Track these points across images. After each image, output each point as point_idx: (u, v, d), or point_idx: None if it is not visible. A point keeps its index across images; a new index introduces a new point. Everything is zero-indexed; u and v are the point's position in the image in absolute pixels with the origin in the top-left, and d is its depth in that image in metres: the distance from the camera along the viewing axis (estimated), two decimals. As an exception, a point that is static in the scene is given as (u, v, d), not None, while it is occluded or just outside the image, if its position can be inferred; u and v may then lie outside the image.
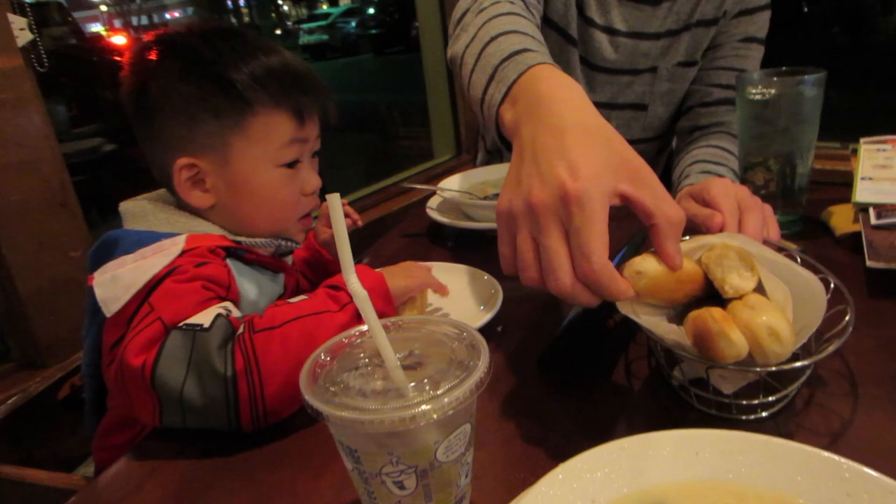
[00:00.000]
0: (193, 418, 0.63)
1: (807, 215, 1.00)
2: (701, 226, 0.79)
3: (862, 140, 1.06)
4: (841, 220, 0.95)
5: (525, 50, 0.73)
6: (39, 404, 0.96)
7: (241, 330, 0.64)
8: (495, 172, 1.28)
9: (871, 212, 0.85)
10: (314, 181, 0.85)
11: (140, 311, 0.66)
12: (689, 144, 1.23)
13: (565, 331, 0.74)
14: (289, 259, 0.93)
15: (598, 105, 1.22)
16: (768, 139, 0.95)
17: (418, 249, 1.14)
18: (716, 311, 0.53)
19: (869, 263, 0.76)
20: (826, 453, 0.44)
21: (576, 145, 0.54)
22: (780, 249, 0.74)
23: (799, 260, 0.66)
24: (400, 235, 1.22)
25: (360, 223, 1.06)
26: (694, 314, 0.55)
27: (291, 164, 0.82)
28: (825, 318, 0.56)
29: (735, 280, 0.56)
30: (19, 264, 1.34)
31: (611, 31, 1.19)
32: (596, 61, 1.22)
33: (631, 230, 0.80)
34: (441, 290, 0.84)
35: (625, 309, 0.57)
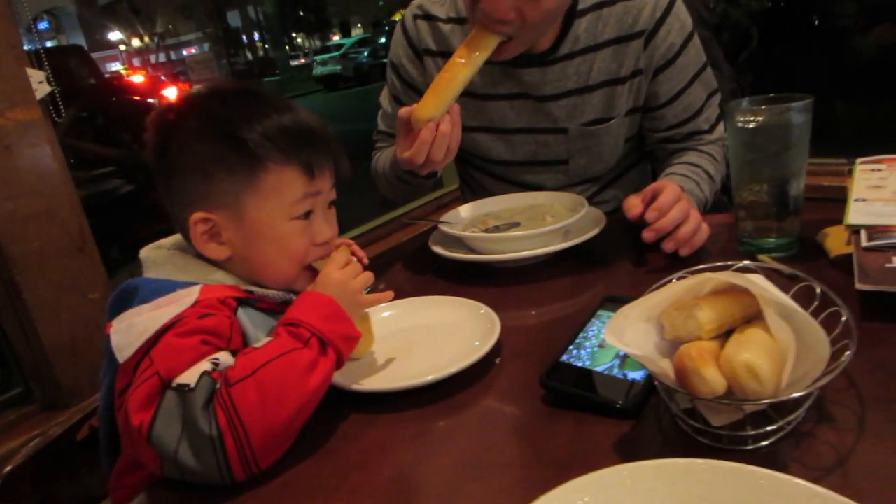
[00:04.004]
0: (190, 476, 0.66)
1: (803, 236, 1.01)
2: (627, 211, 1.04)
3: (858, 160, 1.06)
4: (836, 241, 0.95)
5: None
6: (59, 446, 0.99)
7: (217, 385, 0.67)
8: (496, 205, 1.31)
9: (863, 234, 0.86)
10: (326, 232, 0.87)
11: (142, 363, 0.69)
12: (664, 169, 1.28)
13: (569, 350, 0.77)
14: None
15: (519, 164, 1.39)
16: (760, 165, 0.97)
17: (422, 282, 1.17)
18: (695, 348, 0.55)
19: (858, 286, 0.76)
20: (805, 483, 0.45)
21: None
22: (773, 271, 0.75)
23: (819, 291, 0.67)
24: (405, 268, 1.25)
25: (365, 260, 1.09)
26: (682, 348, 0.56)
27: (305, 215, 0.85)
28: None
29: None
30: (40, 308, 1.38)
31: (510, 96, 1.29)
32: (504, 125, 1.32)
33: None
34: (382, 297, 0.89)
35: (614, 341, 0.59)
